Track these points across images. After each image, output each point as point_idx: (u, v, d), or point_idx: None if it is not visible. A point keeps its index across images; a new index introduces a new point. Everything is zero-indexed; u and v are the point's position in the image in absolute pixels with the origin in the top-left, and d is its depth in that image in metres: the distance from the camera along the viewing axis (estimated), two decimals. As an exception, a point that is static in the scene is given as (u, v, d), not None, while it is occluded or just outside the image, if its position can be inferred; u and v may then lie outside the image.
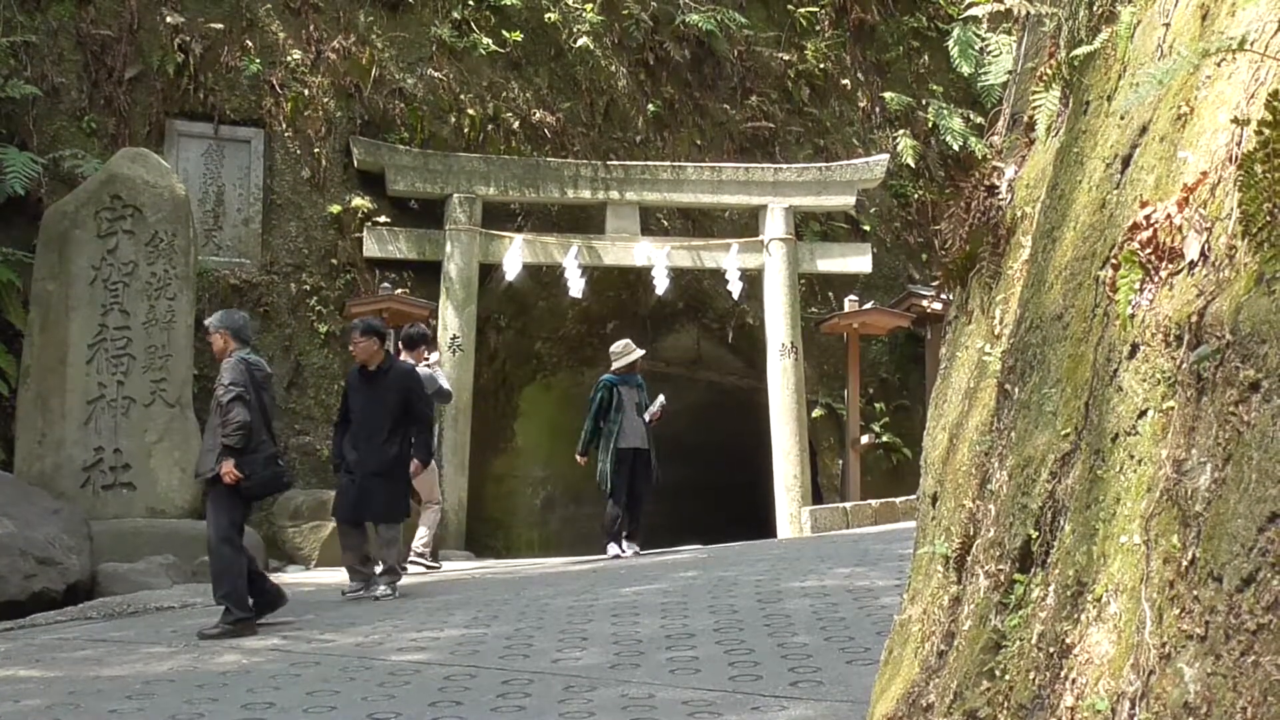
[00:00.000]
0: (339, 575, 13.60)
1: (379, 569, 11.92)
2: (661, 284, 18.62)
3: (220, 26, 18.18)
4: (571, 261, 18.17)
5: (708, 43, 21.23)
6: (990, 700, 3.37)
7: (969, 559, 4.02)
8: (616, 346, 15.92)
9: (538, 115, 19.80)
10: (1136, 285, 2.90)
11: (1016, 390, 3.87)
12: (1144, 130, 3.28)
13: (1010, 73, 6.12)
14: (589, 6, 20.43)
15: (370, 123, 18.82)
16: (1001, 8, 5.79)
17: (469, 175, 18.49)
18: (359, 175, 18.57)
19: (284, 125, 18.33)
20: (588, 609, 10.04)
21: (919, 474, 5.29)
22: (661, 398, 15.73)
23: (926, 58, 23.17)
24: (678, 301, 20.07)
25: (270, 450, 10.35)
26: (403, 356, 13.96)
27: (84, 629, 10.71)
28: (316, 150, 18.42)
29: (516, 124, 19.64)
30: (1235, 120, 2.66)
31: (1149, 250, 2.88)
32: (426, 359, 14.55)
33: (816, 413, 20.14)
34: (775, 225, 19.33)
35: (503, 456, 19.71)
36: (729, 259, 18.91)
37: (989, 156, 5.80)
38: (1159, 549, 2.48)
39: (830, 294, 20.78)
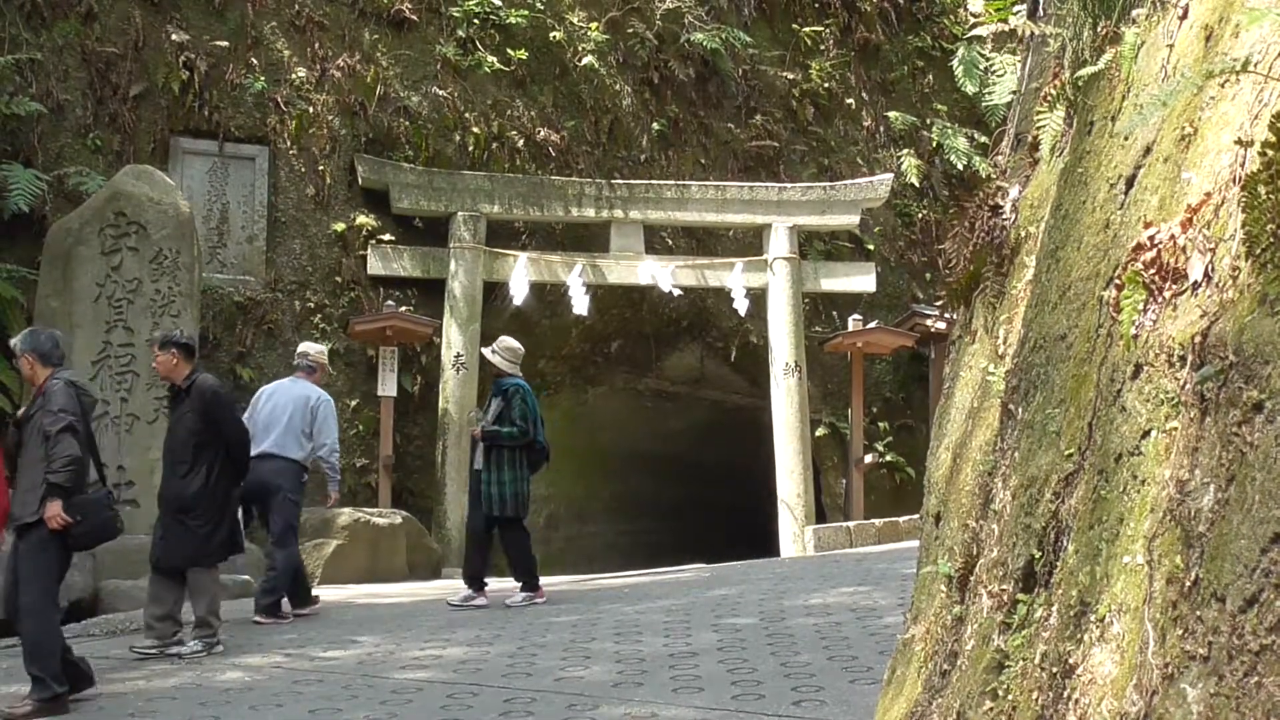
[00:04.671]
0: (343, 592, 13.60)
1: (195, 627, 10.14)
2: (666, 284, 18.54)
3: (225, 44, 18.22)
4: (576, 280, 18.17)
5: (712, 61, 21.27)
6: (993, 720, 3.37)
7: (972, 579, 4.03)
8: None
9: (542, 133, 19.83)
10: (1140, 306, 2.90)
11: (1020, 410, 3.87)
12: (1148, 151, 3.29)
13: (1015, 93, 6.13)
14: (594, 25, 20.48)
15: (375, 141, 18.85)
16: (1006, 28, 5.80)
17: (473, 193, 18.51)
18: (363, 193, 18.60)
19: (289, 143, 18.37)
20: (591, 627, 10.03)
21: (922, 493, 5.29)
22: (475, 413, 12.94)
23: (931, 77, 23.20)
24: (681, 320, 20.09)
25: (103, 490, 8.96)
26: None
27: (86, 646, 10.67)
28: (321, 168, 18.45)
29: (521, 142, 19.67)
30: (1239, 141, 2.66)
31: (1153, 271, 2.88)
32: None
33: (820, 432, 20.12)
34: (779, 244, 19.34)
35: (506, 474, 19.69)
36: (733, 278, 18.91)
37: (993, 176, 5.81)
38: (1162, 569, 2.48)
39: (834, 313, 20.79)
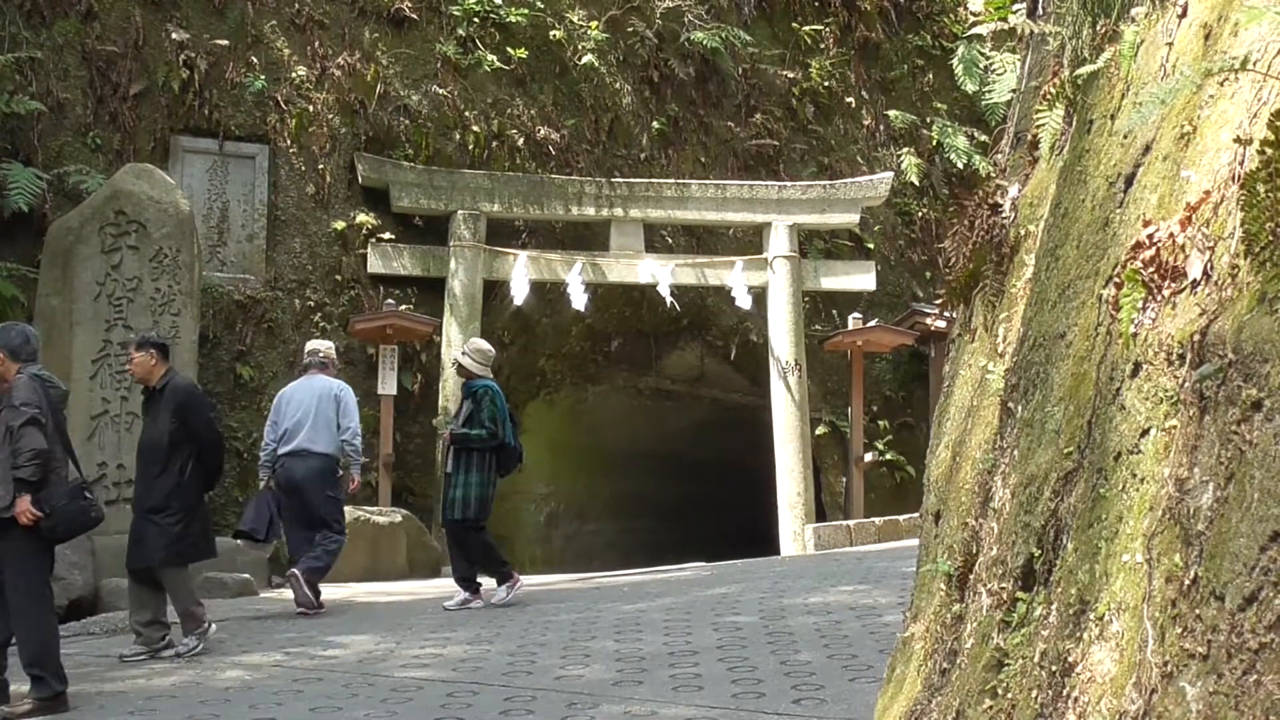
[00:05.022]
0: (343, 591, 13.60)
1: (182, 623, 9.96)
2: (664, 289, 18.49)
3: (225, 43, 18.21)
4: (575, 278, 18.14)
5: (712, 60, 21.25)
6: (992, 718, 3.37)
7: (972, 577, 4.03)
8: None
9: (542, 132, 19.82)
10: (1139, 304, 2.90)
11: (1019, 408, 3.87)
12: (1147, 149, 3.29)
13: (1014, 91, 6.13)
14: (594, 24, 20.47)
15: (375, 139, 18.84)
16: (1006, 26, 5.80)
17: (473, 192, 18.51)
18: (363, 192, 18.59)
19: (289, 141, 18.36)
20: (591, 625, 10.03)
21: (922, 492, 5.29)
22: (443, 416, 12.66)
23: (931, 76, 23.19)
24: (681, 319, 20.07)
25: (75, 481, 8.64)
26: None
27: (86, 644, 10.70)
28: (321, 166, 18.45)
29: (521, 141, 19.67)
30: (1238, 139, 2.66)
31: (1152, 269, 2.88)
32: None
33: (820, 430, 20.11)
34: (779, 243, 19.33)
35: (506, 473, 19.69)
36: (733, 276, 18.88)
37: (993, 175, 5.81)
38: (1161, 568, 2.48)
39: (834, 311, 20.78)
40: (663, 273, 18.57)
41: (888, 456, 20.20)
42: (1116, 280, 3.06)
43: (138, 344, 10.41)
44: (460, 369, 12.34)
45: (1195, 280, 2.71)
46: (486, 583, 12.25)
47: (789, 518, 18.80)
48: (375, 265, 18.25)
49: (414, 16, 19.46)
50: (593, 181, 19.23)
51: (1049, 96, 4.45)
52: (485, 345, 12.58)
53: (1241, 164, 2.61)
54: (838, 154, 21.96)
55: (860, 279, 20.26)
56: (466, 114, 19.43)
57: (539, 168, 19.53)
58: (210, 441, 10.34)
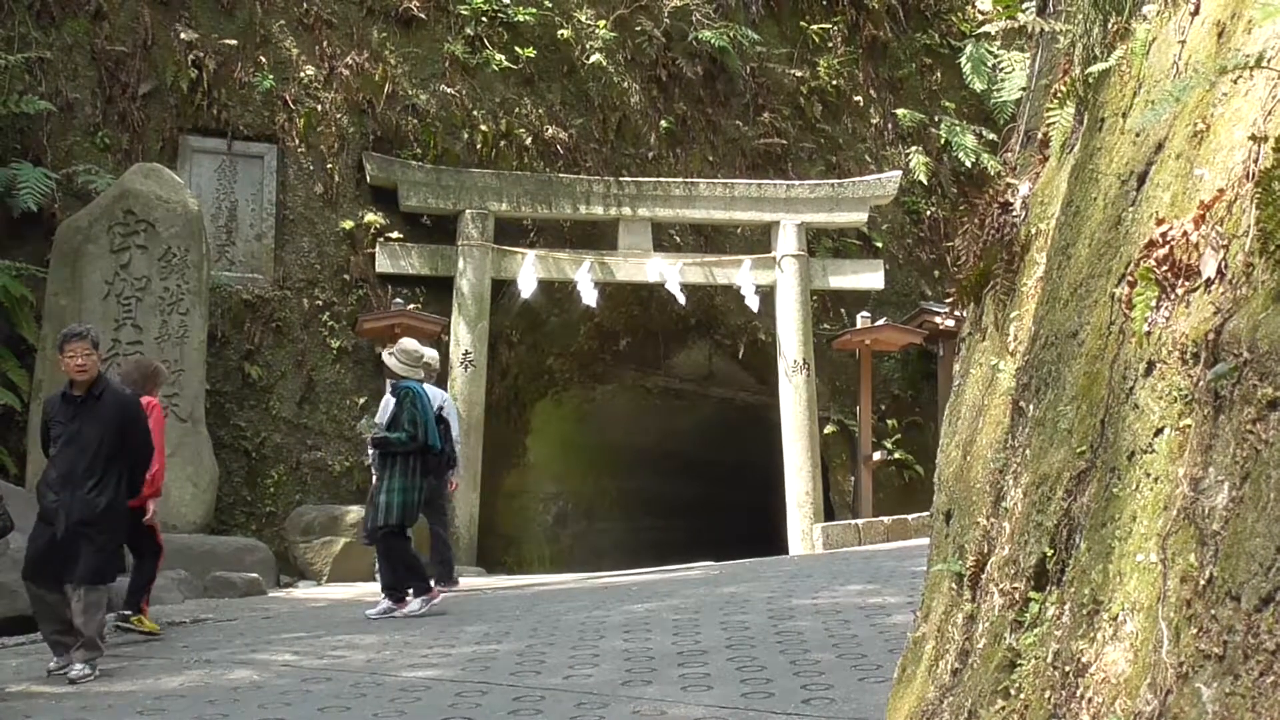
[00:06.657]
0: (351, 590, 13.62)
1: (84, 647, 9.18)
2: (674, 286, 18.49)
3: (234, 43, 18.24)
4: (584, 276, 18.16)
5: (720, 59, 21.25)
6: (1005, 719, 3.36)
7: (983, 577, 4.01)
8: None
9: (550, 131, 19.83)
10: (1153, 302, 2.89)
11: (1031, 407, 3.86)
12: (1160, 147, 3.27)
13: (1024, 89, 6.11)
14: (602, 23, 20.47)
15: (383, 138, 18.86)
16: (1015, 25, 5.79)
17: (481, 191, 18.51)
18: (372, 191, 18.61)
19: (297, 141, 18.38)
20: (600, 625, 10.02)
21: (932, 491, 5.28)
22: (367, 419, 12.44)
23: (939, 74, 23.17)
24: (690, 318, 20.07)
25: None
26: None
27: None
28: (329, 166, 18.46)
29: (529, 140, 19.67)
30: (1253, 137, 2.65)
31: (1165, 267, 2.87)
32: None
33: (829, 429, 20.11)
34: (788, 242, 19.32)
35: (514, 472, 19.72)
36: (741, 275, 18.89)
37: (1003, 173, 5.80)
38: (1176, 568, 2.47)
39: (843, 310, 20.77)
40: (671, 272, 18.58)
41: (896, 455, 20.20)
42: (1129, 279, 3.05)
43: (94, 342, 9.59)
44: (385, 369, 12.06)
45: (1209, 278, 2.69)
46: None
47: (797, 517, 18.79)
48: (383, 264, 18.26)
49: (422, 16, 19.48)
50: (600, 181, 19.23)
51: (1060, 94, 4.44)
52: (413, 345, 12.23)
53: (1256, 161, 2.59)
54: (846, 153, 21.96)
55: (869, 278, 20.24)
56: (474, 113, 19.45)
57: (547, 167, 19.55)
58: (144, 456, 9.88)
